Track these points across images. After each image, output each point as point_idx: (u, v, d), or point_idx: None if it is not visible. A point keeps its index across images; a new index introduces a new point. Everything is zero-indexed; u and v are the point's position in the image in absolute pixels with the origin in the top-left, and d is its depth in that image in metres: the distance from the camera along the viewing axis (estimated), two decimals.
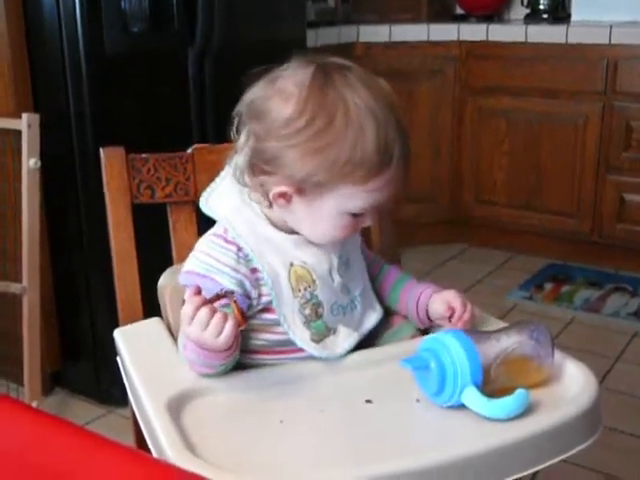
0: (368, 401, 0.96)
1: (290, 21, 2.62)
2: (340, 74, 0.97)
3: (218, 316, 0.92)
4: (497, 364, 0.93)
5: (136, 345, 1.12)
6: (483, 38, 3.33)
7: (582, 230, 3.27)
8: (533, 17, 3.51)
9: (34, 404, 2.02)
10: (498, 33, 3.31)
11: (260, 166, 0.99)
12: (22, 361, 2.06)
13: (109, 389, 2.19)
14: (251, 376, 1.03)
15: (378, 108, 0.95)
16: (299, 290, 1.03)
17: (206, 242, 1.05)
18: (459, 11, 3.74)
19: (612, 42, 3.03)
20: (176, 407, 0.93)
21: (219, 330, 0.92)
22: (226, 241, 1.03)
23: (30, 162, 1.97)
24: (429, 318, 1.13)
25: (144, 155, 1.26)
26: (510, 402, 0.90)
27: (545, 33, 3.21)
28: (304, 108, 0.94)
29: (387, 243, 1.41)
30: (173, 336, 1.13)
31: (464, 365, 0.90)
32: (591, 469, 1.90)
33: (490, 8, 3.61)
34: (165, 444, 0.85)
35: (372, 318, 1.11)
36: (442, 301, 1.10)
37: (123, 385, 1.08)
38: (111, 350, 1.19)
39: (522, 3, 3.58)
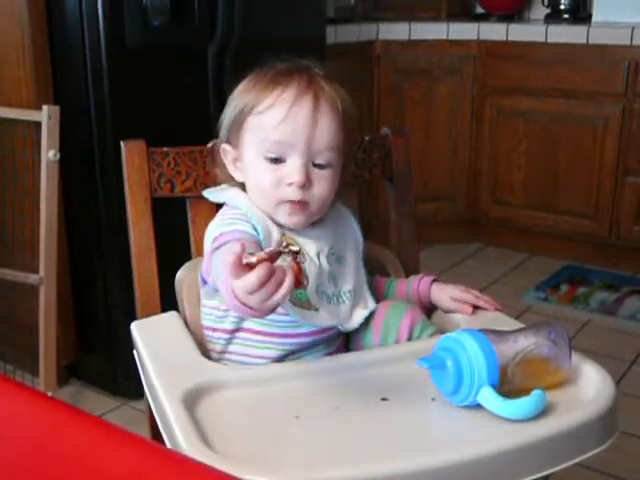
0: (384, 399, 0.96)
1: (310, 18, 2.62)
2: None
3: (270, 286, 0.83)
4: (514, 364, 0.92)
5: (153, 338, 1.12)
6: (503, 38, 3.31)
7: (599, 232, 3.25)
8: (553, 17, 3.49)
9: (49, 395, 2.03)
10: (518, 33, 3.29)
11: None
12: (37, 352, 2.07)
13: (124, 381, 2.20)
14: (267, 371, 1.03)
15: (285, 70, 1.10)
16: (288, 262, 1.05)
17: (216, 218, 1.12)
18: (479, 10, 3.74)
19: (634, 43, 3.01)
20: (192, 401, 0.93)
21: (267, 297, 0.84)
22: (231, 208, 1.12)
23: (49, 154, 1.98)
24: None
25: (164, 149, 1.27)
26: (526, 403, 0.90)
27: (565, 33, 3.19)
28: None
29: (406, 242, 1.41)
30: (190, 330, 1.14)
31: (481, 365, 0.90)
32: (604, 473, 1.89)
33: (510, 8, 3.60)
34: (180, 437, 0.85)
35: (361, 315, 1.14)
36: (447, 296, 1.20)
37: (138, 378, 1.09)
38: (127, 342, 1.19)
39: (543, 3, 3.57)
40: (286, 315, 1.05)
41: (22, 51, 2.08)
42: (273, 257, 0.85)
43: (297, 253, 0.89)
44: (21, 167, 2.14)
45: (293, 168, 1.06)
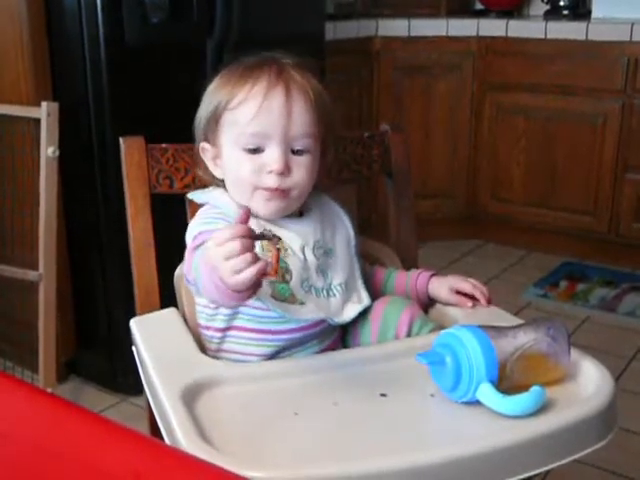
0: (383, 395, 0.96)
1: (309, 14, 2.62)
2: None
3: (248, 255, 0.86)
4: (513, 360, 0.92)
5: (152, 335, 1.12)
6: (502, 34, 3.31)
7: (599, 229, 3.25)
8: (553, 13, 3.49)
9: (48, 391, 2.03)
10: (517, 29, 3.29)
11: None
12: (37, 349, 2.07)
13: (123, 378, 2.20)
14: (266, 367, 1.03)
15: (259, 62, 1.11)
16: (269, 251, 1.04)
17: (195, 217, 1.12)
18: (478, 6, 3.73)
19: (633, 39, 3.01)
20: (190, 397, 0.93)
21: (240, 268, 0.86)
22: (211, 208, 1.12)
23: (48, 150, 1.97)
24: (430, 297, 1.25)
25: (163, 145, 1.27)
26: (525, 399, 0.90)
27: (565, 30, 3.19)
28: None
29: (405, 237, 1.41)
30: (189, 327, 1.14)
31: (480, 361, 0.90)
32: (604, 469, 1.89)
33: (510, 4, 3.59)
34: (179, 433, 0.86)
35: (353, 310, 1.13)
36: (446, 287, 1.22)
37: (137, 374, 1.09)
38: (126, 339, 1.19)
39: None
40: (269, 310, 1.05)
41: (21, 47, 2.07)
42: (255, 236, 0.89)
43: (278, 239, 0.93)
44: (20, 164, 2.13)
45: (272, 156, 1.06)
